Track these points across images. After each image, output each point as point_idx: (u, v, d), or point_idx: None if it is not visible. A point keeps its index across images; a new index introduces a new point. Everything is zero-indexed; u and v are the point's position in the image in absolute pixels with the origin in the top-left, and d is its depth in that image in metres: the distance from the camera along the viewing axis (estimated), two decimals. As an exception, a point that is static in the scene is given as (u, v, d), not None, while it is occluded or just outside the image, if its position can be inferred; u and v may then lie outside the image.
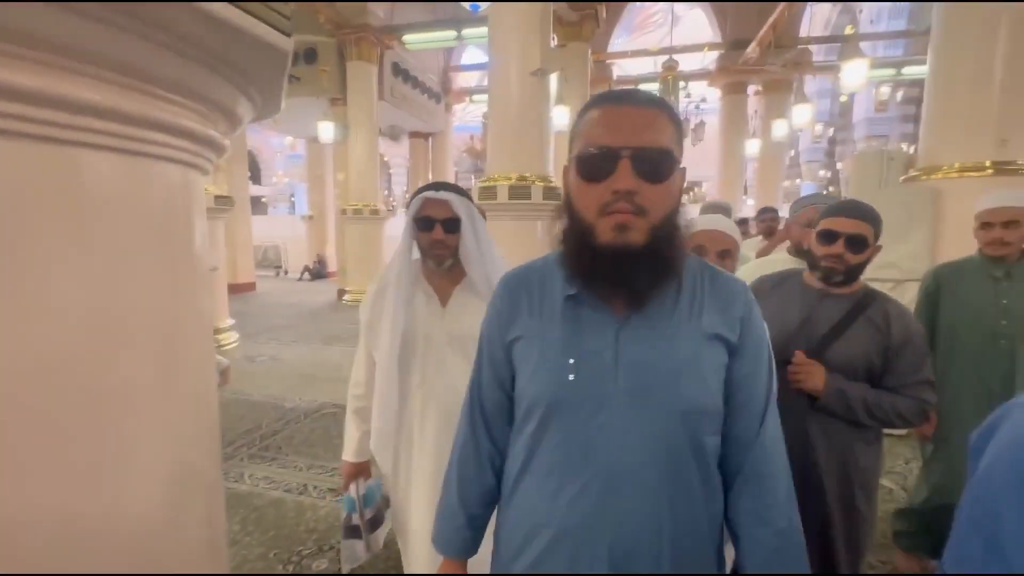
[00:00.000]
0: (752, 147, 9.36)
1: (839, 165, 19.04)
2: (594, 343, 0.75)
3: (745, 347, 0.77)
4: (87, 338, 0.55)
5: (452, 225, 1.30)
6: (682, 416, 0.73)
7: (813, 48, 9.17)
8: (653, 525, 0.72)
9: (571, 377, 0.74)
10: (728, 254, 1.36)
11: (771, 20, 7.19)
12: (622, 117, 0.70)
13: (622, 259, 0.69)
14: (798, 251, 1.88)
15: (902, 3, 12.03)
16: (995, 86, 3.23)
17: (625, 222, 0.68)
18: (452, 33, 7.97)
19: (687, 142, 8.61)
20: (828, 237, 1.33)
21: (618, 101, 0.71)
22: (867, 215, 1.32)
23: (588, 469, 0.73)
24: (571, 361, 0.75)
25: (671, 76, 7.79)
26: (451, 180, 10.12)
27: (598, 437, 0.73)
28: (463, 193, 1.33)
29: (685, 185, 0.77)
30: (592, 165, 0.70)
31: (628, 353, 0.73)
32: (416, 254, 1.37)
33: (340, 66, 8.41)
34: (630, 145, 0.68)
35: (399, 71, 9.46)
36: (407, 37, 8.32)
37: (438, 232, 1.29)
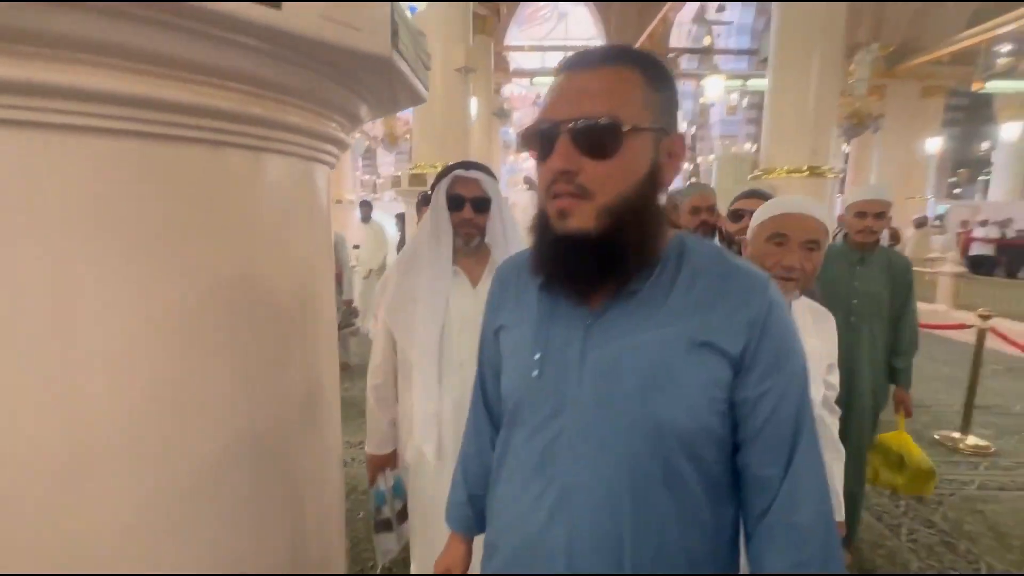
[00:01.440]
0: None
1: (699, 159, 21.82)
2: (562, 338, 0.66)
3: (757, 361, 0.61)
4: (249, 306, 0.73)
5: (482, 205, 1.27)
6: (650, 435, 0.61)
7: (680, 58, 10.56)
8: (611, 553, 0.63)
9: (535, 373, 0.67)
10: (817, 245, 1.09)
11: (648, 31, 8.23)
12: (568, 84, 0.60)
13: (567, 248, 0.61)
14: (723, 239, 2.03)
15: (747, 23, 14.18)
16: (810, 107, 4.33)
17: (564, 208, 0.59)
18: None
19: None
20: (739, 216, 1.64)
21: (572, 64, 0.61)
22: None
23: (543, 478, 0.66)
24: (536, 356, 0.67)
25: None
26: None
27: (556, 444, 0.65)
28: (492, 174, 1.31)
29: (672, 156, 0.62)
30: (535, 142, 0.61)
31: (595, 353, 0.64)
32: (444, 234, 1.30)
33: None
34: (566, 117, 0.58)
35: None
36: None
37: (468, 211, 1.26)
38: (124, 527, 0.63)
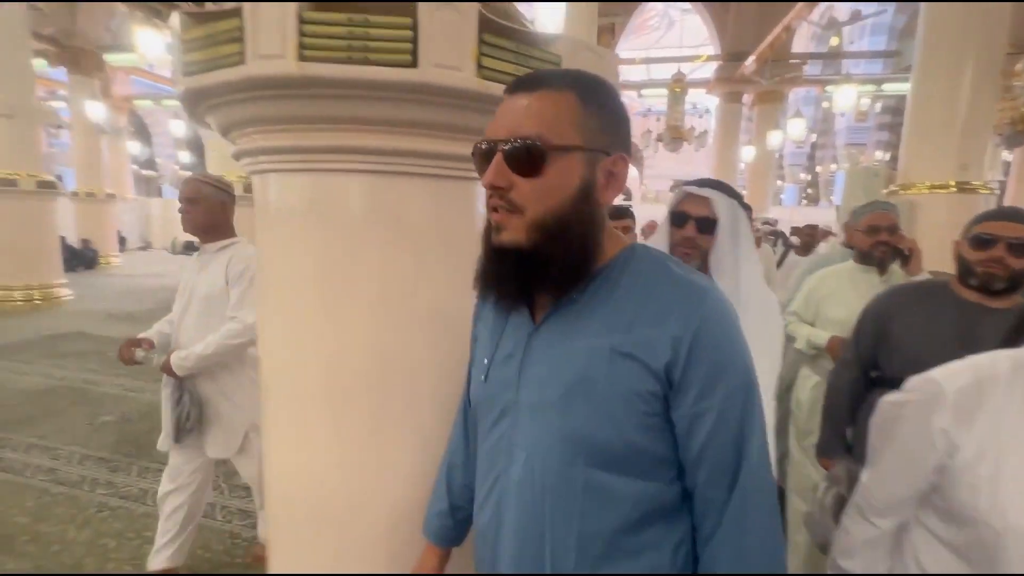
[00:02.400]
0: (747, 153, 10.14)
1: (818, 169, 20.09)
2: (509, 346, 0.70)
3: (689, 379, 0.59)
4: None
5: (707, 225, 1.18)
6: (569, 443, 0.63)
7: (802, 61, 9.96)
8: (535, 557, 0.65)
9: (483, 378, 0.72)
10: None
11: (770, 38, 7.91)
12: (507, 106, 0.63)
13: (500, 260, 0.63)
14: (863, 258, 1.97)
15: (884, 21, 12.92)
16: (959, 119, 3.98)
17: (498, 222, 0.63)
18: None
19: (689, 147, 9.20)
20: (985, 242, 1.26)
21: (512, 88, 0.64)
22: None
23: (491, 476, 0.71)
24: (485, 361, 0.73)
25: (678, 88, 8.45)
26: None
27: (498, 445, 0.69)
28: (734, 194, 1.21)
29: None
30: (476, 160, 0.65)
31: (532, 362, 0.67)
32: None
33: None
34: (498, 137, 0.61)
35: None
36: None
37: (690, 229, 1.18)
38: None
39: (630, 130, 0.68)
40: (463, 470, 0.87)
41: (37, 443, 3.20)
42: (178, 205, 1.87)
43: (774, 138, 8.99)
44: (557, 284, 0.65)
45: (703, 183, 1.22)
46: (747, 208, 1.24)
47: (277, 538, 1.31)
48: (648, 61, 10.88)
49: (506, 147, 0.61)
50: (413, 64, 0.83)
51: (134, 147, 16.78)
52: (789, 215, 12.45)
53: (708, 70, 11.00)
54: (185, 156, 18.48)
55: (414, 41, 0.83)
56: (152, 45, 5.26)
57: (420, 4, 0.83)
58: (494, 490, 0.71)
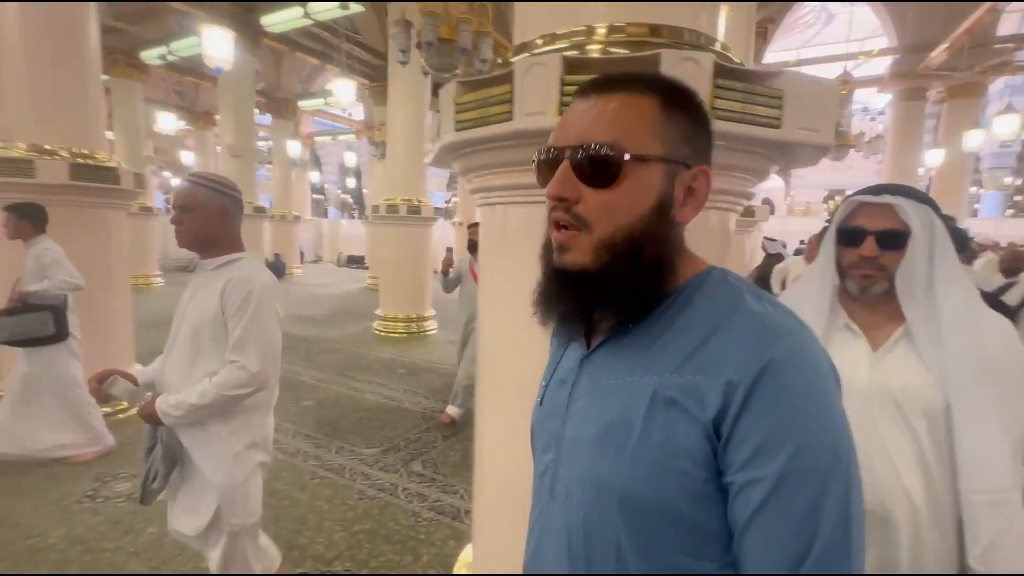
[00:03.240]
0: (932, 157, 8.71)
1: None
2: (564, 371, 0.64)
3: (740, 434, 0.48)
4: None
5: (892, 239, 0.96)
6: (596, 493, 0.55)
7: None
8: None
9: (538, 402, 0.67)
10: None
11: (971, 20, 6.77)
12: (575, 110, 0.57)
13: (561, 284, 0.57)
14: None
15: None
16: None
17: (563, 241, 0.56)
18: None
19: (856, 153, 8.18)
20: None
21: (585, 90, 0.58)
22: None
23: (536, 508, 0.66)
24: (543, 384, 0.68)
25: (844, 88, 7.62)
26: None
27: (544, 477, 0.64)
28: (925, 199, 0.98)
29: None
30: (541, 169, 0.59)
31: (579, 393, 0.60)
32: (834, 277, 1.04)
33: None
34: (566, 143, 0.55)
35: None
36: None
37: (868, 247, 0.97)
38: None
39: (712, 142, 0.60)
40: None
41: (263, 418, 3.98)
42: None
43: (972, 138, 7.58)
44: (624, 312, 0.57)
45: (880, 189, 1.00)
46: (949, 219, 1.04)
47: (482, 516, 1.52)
48: (803, 63, 9.94)
49: (576, 154, 0.54)
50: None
51: (312, 176, 19.87)
52: (993, 227, 10.34)
53: (878, 66, 9.72)
54: (351, 182, 21.47)
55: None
56: (345, 92, 6.34)
57: (663, 53, 0.96)
58: (539, 521, 0.65)
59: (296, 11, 7.32)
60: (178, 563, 2.26)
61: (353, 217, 24.62)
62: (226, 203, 1.53)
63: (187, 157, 12.33)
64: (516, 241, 1.20)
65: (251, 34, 7.98)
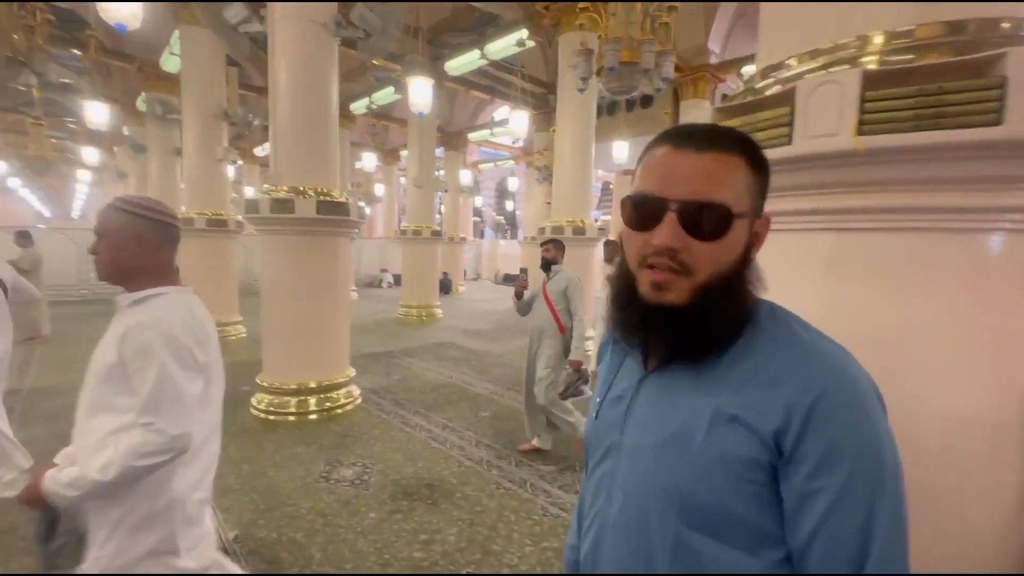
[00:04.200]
0: None
1: None
2: (620, 388, 0.72)
3: (803, 451, 0.55)
4: None
5: None
6: (660, 496, 0.62)
7: None
8: None
9: (593, 415, 0.75)
10: None
11: None
12: (677, 162, 0.61)
13: (657, 318, 0.62)
14: None
15: None
16: None
17: (662, 281, 0.61)
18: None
19: None
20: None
21: (679, 141, 0.62)
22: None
23: (591, 514, 0.73)
24: (598, 400, 0.75)
25: None
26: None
27: (600, 484, 0.71)
28: None
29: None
30: (637, 212, 0.63)
31: (640, 408, 0.68)
32: None
33: (674, 106, 9.17)
34: (678, 197, 0.59)
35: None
36: (745, 68, 8.48)
37: None
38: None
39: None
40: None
41: (448, 424, 4.36)
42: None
43: None
44: (708, 344, 0.62)
45: None
46: None
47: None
48: None
49: (686, 207, 0.59)
50: (998, 122, 0.82)
51: (476, 200, 21.59)
52: None
53: None
54: (510, 204, 22.84)
55: (1000, 100, 0.81)
56: (520, 123, 6.81)
57: (1011, 52, 0.81)
58: (593, 524, 0.71)
59: (474, 54, 8.10)
60: (396, 548, 2.56)
61: (505, 237, 26.06)
62: (143, 228, 1.26)
63: (379, 189, 14.36)
64: (794, 268, 1.10)
65: (437, 79, 9.06)
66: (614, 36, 3.83)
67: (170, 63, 8.30)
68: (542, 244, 3.85)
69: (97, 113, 7.64)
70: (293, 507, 2.90)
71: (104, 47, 7.12)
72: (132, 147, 10.98)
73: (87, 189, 23.47)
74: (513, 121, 6.85)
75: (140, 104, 9.94)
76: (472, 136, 14.63)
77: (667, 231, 0.59)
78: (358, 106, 10.76)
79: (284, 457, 3.56)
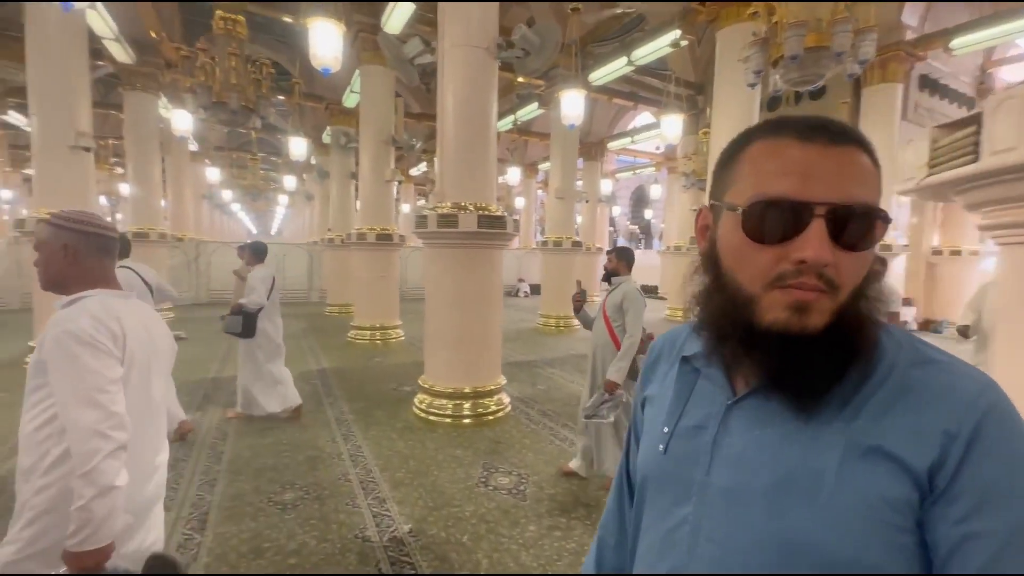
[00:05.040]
0: None
1: None
2: (697, 416, 0.59)
3: (960, 486, 0.44)
4: None
5: None
6: (781, 555, 0.48)
7: None
8: None
9: (661, 448, 0.62)
10: None
11: None
12: (816, 157, 0.49)
13: (793, 348, 0.49)
14: None
15: None
16: None
17: (807, 301, 0.49)
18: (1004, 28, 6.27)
19: None
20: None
21: (807, 133, 0.50)
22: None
23: (660, 569, 0.58)
24: (665, 430, 0.62)
25: None
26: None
27: (678, 532, 0.57)
28: None
29: None
30: (769, 222, 0.50)
31: (731, 442, 0.55)
32: None
33: (855, 94, 7.94)
34: (829, 200, 0.48)
35: (927, 83, 8.11)
36: (956, 41, 7.00)
37: None
38: None
39: None
40: (615, 552, 0.75)
41: (598, 441, 4.23)
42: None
43: None
44: (846, 373, 0.50)
45: None
46: None
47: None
48: None
49: (842, 213, 0.49)
50: None
51: (612, 210, 21.24)
52: None
53: None
54: (647, 213, 22.08)
55: None
56: (672, 127, 6.49)
57: None
58: None
59: (620, 61, 7.95)
60: (560, 567, 2.51)
61: (639, 247, 25.11)
62: (68, 239, 1.32)
63: (519, 202, 14.87)
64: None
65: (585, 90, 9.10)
66: (796, 20, 3.39)
67: (350, 100, 9.60)
68: (607, 252, 3.53)
69: (297, 146, 9.11)
70: (458, 508, 3.03)
71: (303, 91, 8.52)
72: (319, 173, 12.92)
73: (283, 210, 28.41)
74: (665, 125, 6.53)
75: (325, 137, 11.67)
76: (612, 145, 14.42)
77: (819, 242, 0.48)
78: (504, 123, 11.28)
79: (445, 457, 3.76)
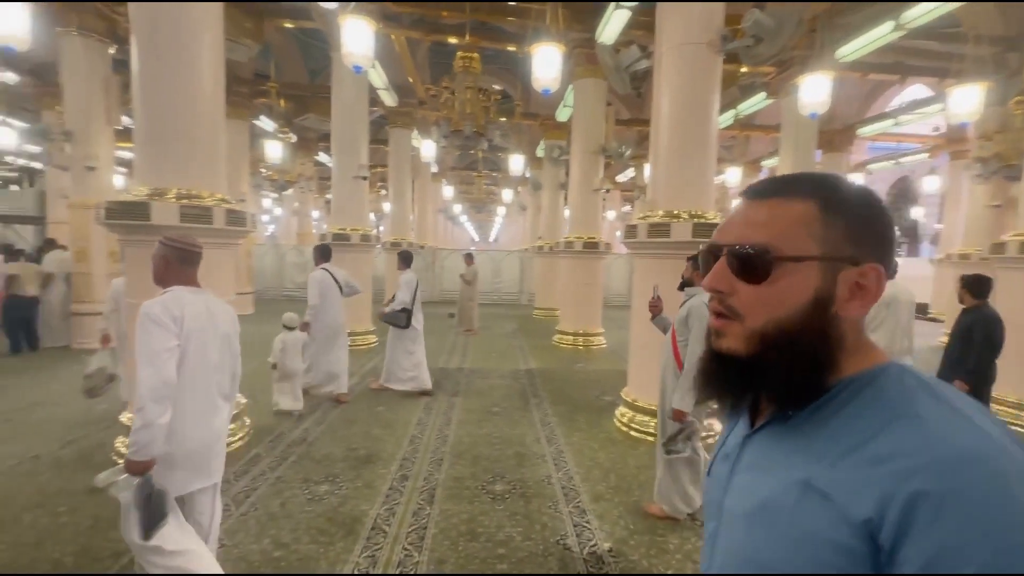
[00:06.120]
0: None
1: None
2: (730, 445, 0.68)
3: (906, 553, 0.44)
4: None
5: None
6: (749, 567, 0.57)
7: None
8: None
9: (707, 471, 0.73)
10: None
11: None
12: (736, 212, 0.63)
13: (718, 365, 0.62)
14: None
15: None
16: None
17: (718, 327, 0.62)
18: None
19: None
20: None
21: (747, 194, 0.63)
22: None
23: (702, 567, 0.70)
24: (713, 455, 0.72)
25: None
26: None
27: (710, 541, 0.68)
28: None
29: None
30: (704, 262, 0.65)
31: (740, 468, 0.64)
32: None
33: None
34: (725, 241, 0.61)
35: None
36: None
37: None
38: None
39: (890, 238, 0.60)
40: None
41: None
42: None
43: None
44: (778, 397, 0.60)
45: None
46: None
47: None
48: None
49: (732, 251, 0.60)
50: None
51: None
52: None
53: None
54: (912, 211, 17.57)
55: None
56: (964, 101, 4.99)
57: None
58: None
59: (882, 28, 6.44)
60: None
61: (899, 253, 19.95)
62: (166, 252, 2.04)
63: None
64: None
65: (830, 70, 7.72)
66: None
67: (563, 113, 10.06)
68: (687, 258, 2.98)
69: (516, 162, 9.94)
70: (662, 538, 2.85)
71: (522, 112, 9.29)
72: (533, 185, 13.92)
73: (500, 220, 31.59)
74: (953, 99, 5.03)
75: (539, 150, 12.49)
76: (864, 130, 11.86)
77: (713, 273, 0.61)
78: (724, 119, 10.31)
79: (648, 478, 3.59)
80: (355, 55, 4.65)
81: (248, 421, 4.19)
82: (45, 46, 6.86)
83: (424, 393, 5.48)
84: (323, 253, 5.24)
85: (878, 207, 0.59)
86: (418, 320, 5.50)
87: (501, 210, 22.30)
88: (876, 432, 0.50)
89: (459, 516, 3.03)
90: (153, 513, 1.81)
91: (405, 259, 5.64)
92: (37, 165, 13.24)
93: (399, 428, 4.51)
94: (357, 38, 4.64)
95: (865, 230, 0.58)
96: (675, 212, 4.14)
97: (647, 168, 4.45)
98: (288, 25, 8.03)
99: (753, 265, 0.58)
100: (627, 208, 22.98)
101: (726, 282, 0.60)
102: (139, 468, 1.79)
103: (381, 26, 6.50)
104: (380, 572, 2.50)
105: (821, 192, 0.58)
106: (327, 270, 5.17)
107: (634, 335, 4.63)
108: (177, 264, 2.06)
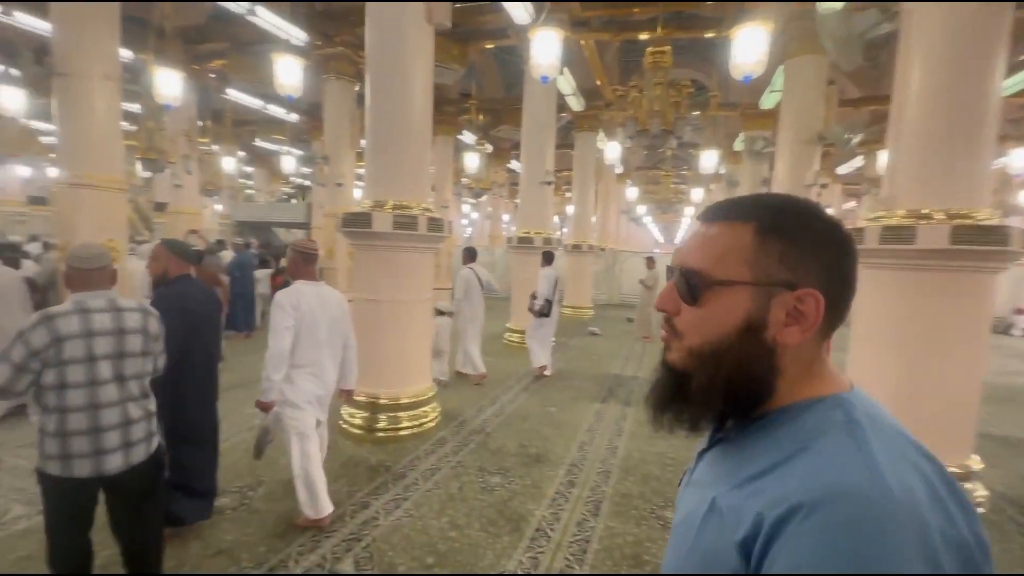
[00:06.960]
0: None
1: None
2: (693, 459, 0.71)
3: (768, 567, 0.46)
4: None
5: None
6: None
7: None
8: None
9: (682, 482, 0.74)
10: None
11: None
12: (689, 234, 0.66)
13: (661, 375, 0.66)
14: None
15: None
16: None
17: (665, 341, 0.66)
18: None
19: None
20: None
21: (699, 217, 0.66)
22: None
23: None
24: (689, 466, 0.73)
25: None
26: None
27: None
28: None
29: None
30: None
31: (690, 483, 0.68)
32: None
33: None
34: (674, 264, 0.65)
35: None
36: None
37: None
38: None
39: (839, 263, 0.58)
40: None
41: None
42: None
43: None
44: (707, 413, 0.62)
45: None
46: None
47: None
48: None
49: (679, 273, 0.62)
50: None
51: None
52: None
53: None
54: None
55: None
56: None
57: None
58: None
59: None
60: None
61: None
62: (295, 255, 2.83)
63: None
64: None
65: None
66: None
67: (769, 100, 8.84)
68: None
69: (708, 159, 9.11)
70: None
71: (719, 103, 8.43)
72: (728, 183, 12.61)
73: (687, 221, 29.52)
74: None
75: (737, 144, 11.23)
76: None
77: (662, 294, 0.65)
78: (1011, 84, 7.70)
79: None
80: (543, 66, 4.80)
81: (438, 407, 4.68)
82: (312, 90, 8.78)
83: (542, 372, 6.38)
84: (470, 255, 6.06)
85: (829, 233, 0.58)
86: (554, 311, 6.29)
87: (689, 210, 20.81)
88: (780, 461, 0.53)
89: (624, 537, 2.87)
90: (262, 438, 2.77)
91: (547, 258, 6.48)
92: (307, 183, 17.24)
93: (568, 431, 4.51)
94: (545, 49, 4.79)
95: (806, 255, 0.57)
96: (924, 211, 3.23)
97: (882, 156, 3.56)
98: (488, 46, 8.75)
99: (688, 288, 0.61)
100: (850, 204, 19.19)
101: (671, 303, 0.63)
102: (263, 406, 2.67)
103: (571, 33, 6.61)
104: (391, 573, 2.50)
105: (760, 216, 0.59)
106: (472, 269, 5.90)
107: (855, 364, 3.78)
108: (302, 263, 2.75)
